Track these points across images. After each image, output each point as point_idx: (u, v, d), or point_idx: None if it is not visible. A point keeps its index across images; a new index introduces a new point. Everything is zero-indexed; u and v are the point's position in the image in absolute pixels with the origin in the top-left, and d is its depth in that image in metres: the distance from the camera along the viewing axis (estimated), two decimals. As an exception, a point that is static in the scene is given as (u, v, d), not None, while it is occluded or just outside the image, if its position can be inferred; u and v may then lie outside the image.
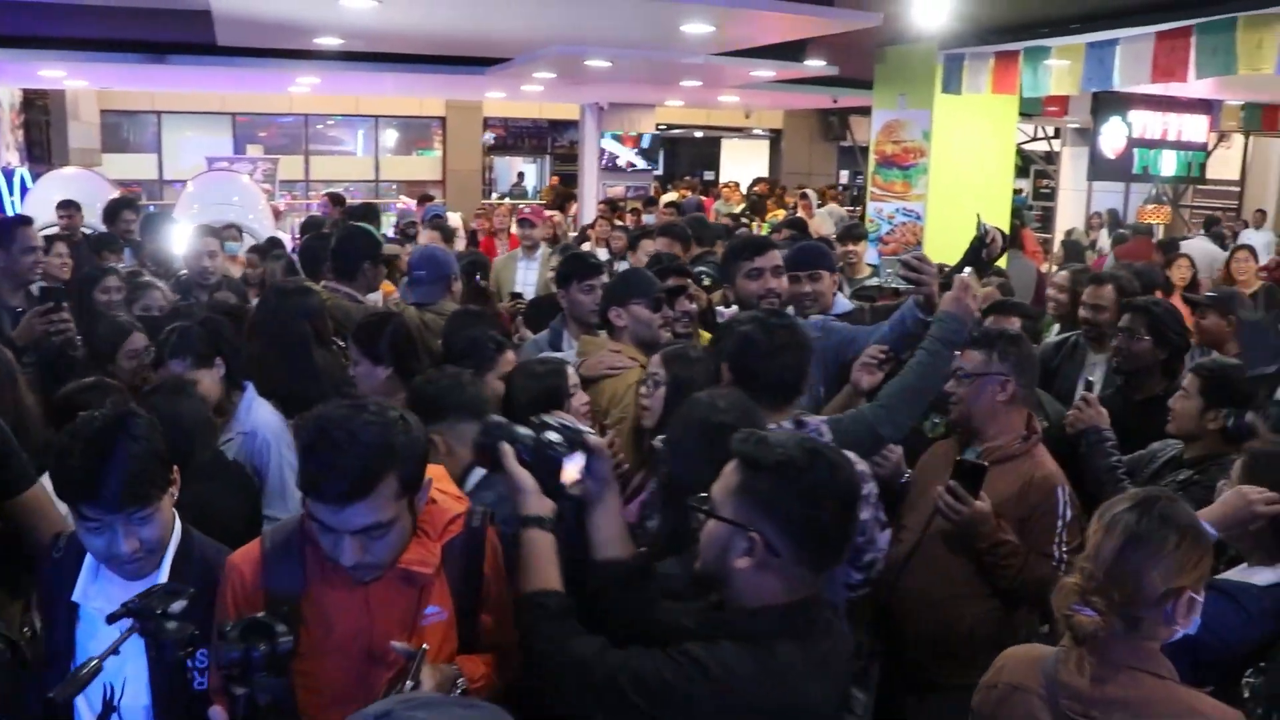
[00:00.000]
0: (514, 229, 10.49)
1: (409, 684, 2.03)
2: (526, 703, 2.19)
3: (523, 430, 2.24)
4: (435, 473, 2.34)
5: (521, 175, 23.87)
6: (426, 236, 6.72)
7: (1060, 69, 7.57)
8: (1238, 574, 2.63)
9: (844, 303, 4.76)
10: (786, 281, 4.23)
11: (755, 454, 2.02)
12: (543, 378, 3.32)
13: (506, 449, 2.22)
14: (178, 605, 2.03)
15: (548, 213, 11.33)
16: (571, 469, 2.18)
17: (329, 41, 9.48)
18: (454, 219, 13.17)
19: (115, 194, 10.18)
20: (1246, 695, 2.36)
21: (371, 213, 9.07)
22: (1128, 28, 6.92)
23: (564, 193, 16.59)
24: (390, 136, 22.92)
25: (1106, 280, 4.89)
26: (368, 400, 2.24)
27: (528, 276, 7.51)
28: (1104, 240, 15.21)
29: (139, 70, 11.81)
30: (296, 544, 2.24)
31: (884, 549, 3.07)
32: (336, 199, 12.69)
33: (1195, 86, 9.15)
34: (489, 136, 23.26)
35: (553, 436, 2.20)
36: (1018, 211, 12.72)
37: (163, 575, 2.37)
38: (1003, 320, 4.30)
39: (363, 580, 2.17)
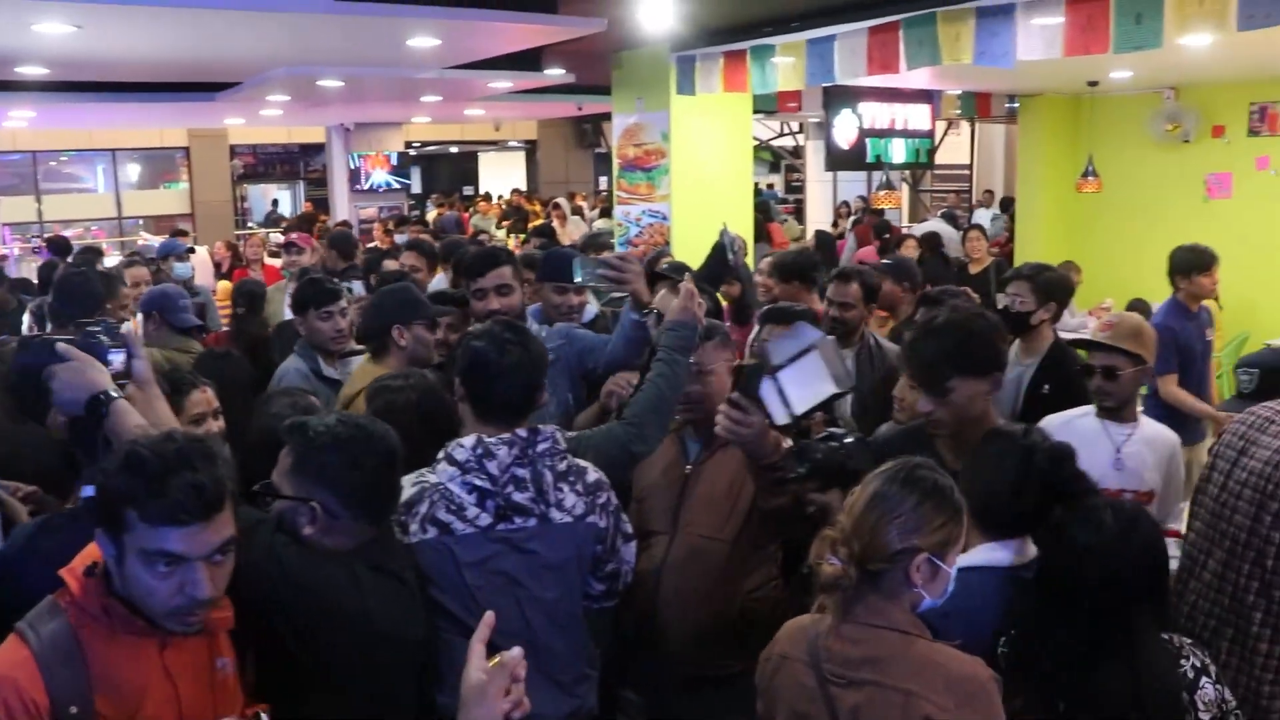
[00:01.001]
0: (268, 259, 10.05)
1: None
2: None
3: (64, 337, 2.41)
4: None
5: (276, 202, 23.09)
6: (131, 275, 6.30)
7: (785, 65, 7.80)
8: None
9: (591, 309, 4.78)
10: (515, 298, 4.20)
11: (301, 435, 2.33)
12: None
13: (61, 345, 2.31)
14: None
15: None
16: (116, 360, 2.37)
17: (34, 71, 8.85)
18: (200, 253, 12.58)
19: None
20: (1003, 665, 2.44)
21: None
22: (843, 24, 7.17)
23: (309, 216, 16.14)
24: (132, 170, 21.78)
25: (852, 277, 4.89)
26: (171, 429, 2.15)
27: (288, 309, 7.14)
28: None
29: None
30: (69, 631, 1.99)
31: (630, 562, 3.05)
32: (57, 244, 11.46)
33: (916, 78, 9.62)
34: (238, 165, 22.39)
35: (95, 328, 2.39)
36: (764, 206, 13.14)
37: None
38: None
39: (193, 629, 2.04)
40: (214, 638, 2.15)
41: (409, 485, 2.71)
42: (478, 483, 2.70)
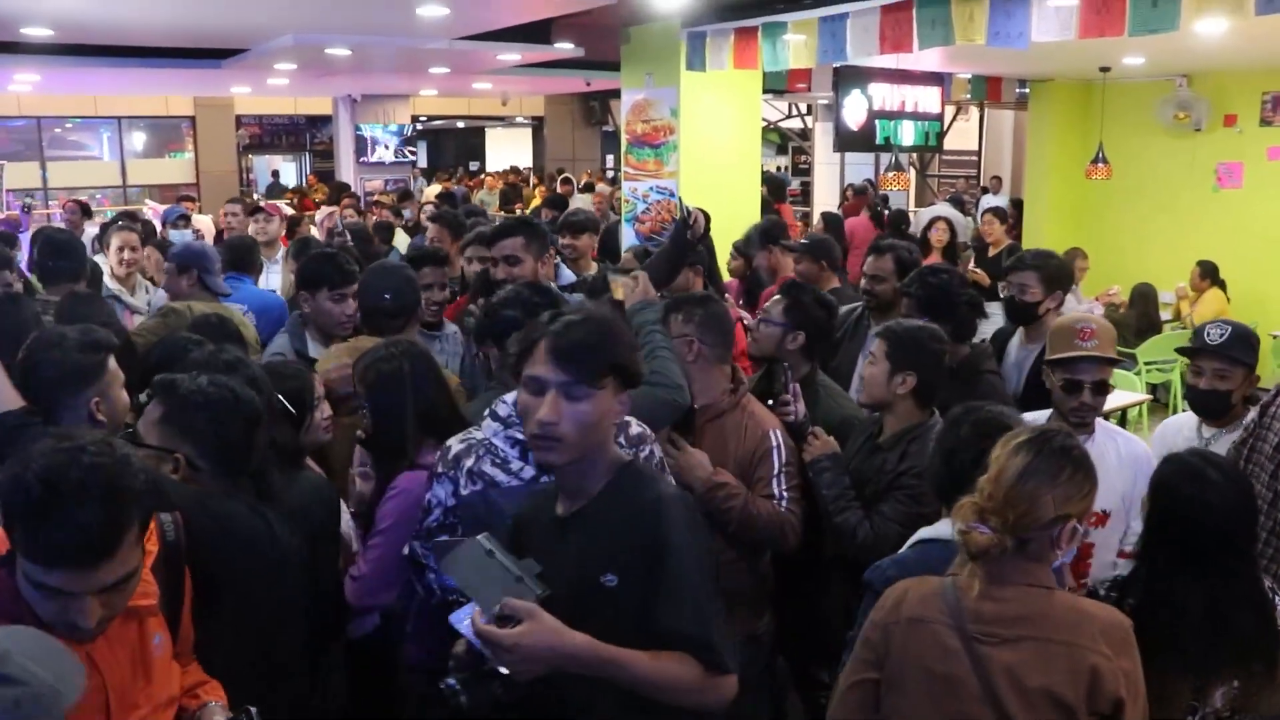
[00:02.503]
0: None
1: None
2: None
3: None
4: None
5: (276, 174, 23.01)
6: (120, 239, 6.13)
7: (797, 43, 7.74)
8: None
9: (567, 274, 4.81)
10: (524, 268, 4.21)
11: (171, 392, 2.49)
12: (287, 380, 3.21)
13: None
14: None
15: (329, 209, 10.88)
16: None
17: (39, 32, 8.78)
18: (204, 221, 12.56)
19: None
20: None
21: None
22: (856, 2, 7.11)
23: (339, 185, 16.05)
24: (138, 139, 21.69)
25: (885, 251, 4.85)
26: (81, 435, 1.90)
27: (269, 280, 6.97)
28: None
29: None
30: None
31: None
32: (84, 207, 11.60)
33: (927, 60, 9.56)
34: (243, 135, 22.32)
35: None
36: (776, 183, 13.08)
37: None
38: None
39: (90, 638, 1.92)
40: (143, 620, 2.07)
41: (457, 442, 2.79)
42: (519, 436, 2.71)
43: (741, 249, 6.92)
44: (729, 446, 3.43)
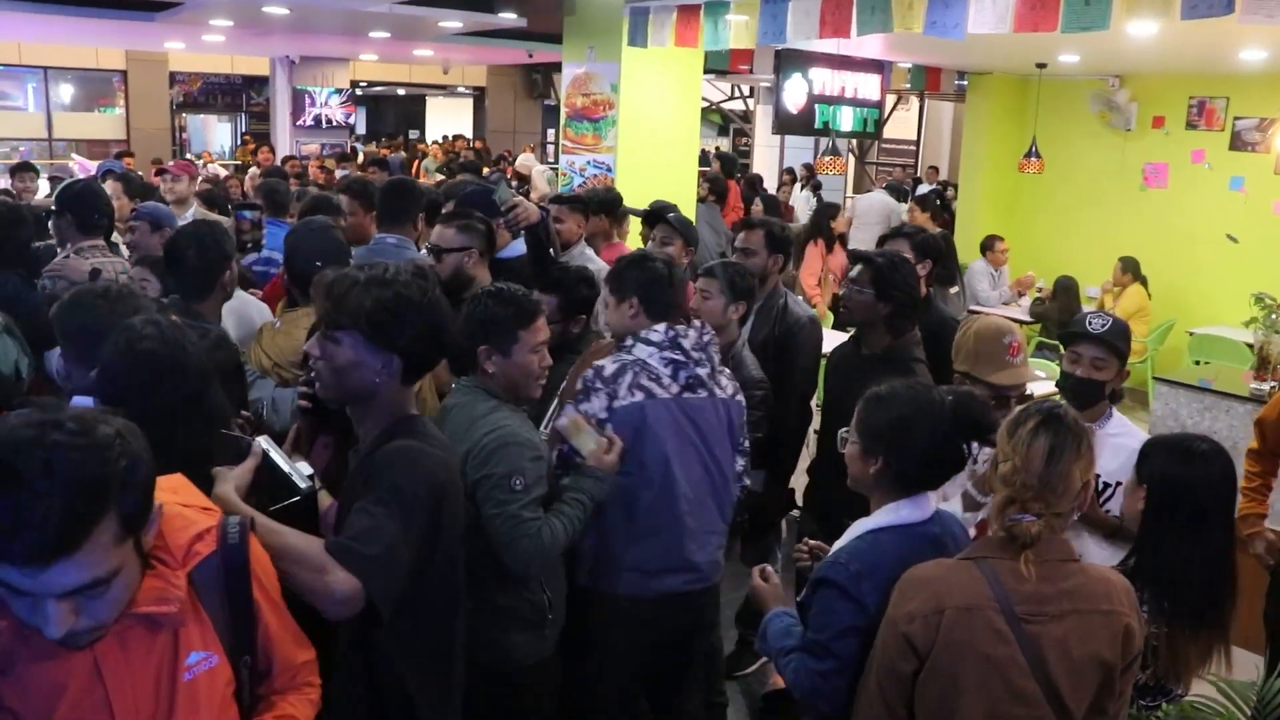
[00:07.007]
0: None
1: None
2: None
3: None
4: (174, 481, 1.89)
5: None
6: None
7: (738, 24, 7.76)
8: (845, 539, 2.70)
9: (517, 246, 4.77)
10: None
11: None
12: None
13: None
14: None
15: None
16: None
17: (-39, -25, 8.55)
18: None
19: None
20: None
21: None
22: (798, -15, 7.14)
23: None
24: (65, 91, 21.11)
25: (757, 225, 4.94)
26: (62, 410, 1.60)
27: None
28: (797, 196, 15.95)
29: None
30: None
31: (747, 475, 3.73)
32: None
33: (868, 47, 9.63)
34: (177, 93, 21.86)
35: None
36: (727, 160, 13.10)
37: None
38: None
39: (78, 646, 1.65)
40: (175, 633, 1.75)
41: (610, 362, 3.34)
42: (674, 357, 3.36)
43: None
44: None
